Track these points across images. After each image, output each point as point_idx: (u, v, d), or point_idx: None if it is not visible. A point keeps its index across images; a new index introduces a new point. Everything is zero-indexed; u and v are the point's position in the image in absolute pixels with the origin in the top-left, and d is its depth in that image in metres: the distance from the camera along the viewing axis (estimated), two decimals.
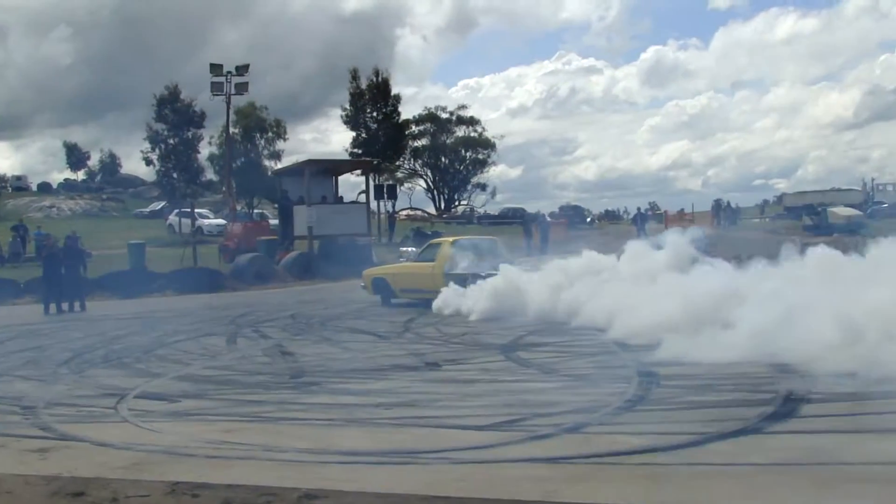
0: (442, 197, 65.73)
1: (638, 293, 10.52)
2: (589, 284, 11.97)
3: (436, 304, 13.96)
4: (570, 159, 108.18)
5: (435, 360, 9.01)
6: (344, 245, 26.76)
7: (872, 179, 53.47)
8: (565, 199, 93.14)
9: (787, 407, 6.07)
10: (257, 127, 43.76)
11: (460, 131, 65.40)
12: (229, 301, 18.85)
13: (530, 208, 52.32)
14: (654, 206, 59.95)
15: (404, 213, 52.01)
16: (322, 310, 15.84)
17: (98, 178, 68.87)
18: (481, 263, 14.48)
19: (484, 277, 13.69)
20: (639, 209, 38.18)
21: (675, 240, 11.88)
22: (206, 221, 40.46)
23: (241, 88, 34.49)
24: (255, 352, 10.41)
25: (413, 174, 65.74)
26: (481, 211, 62.02)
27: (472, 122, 65.07)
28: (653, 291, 10.26)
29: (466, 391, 7.26)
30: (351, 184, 47.09)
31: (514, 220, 46.33)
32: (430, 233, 36.13)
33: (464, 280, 14.25)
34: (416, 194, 65.52)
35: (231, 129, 39.10)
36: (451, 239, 16.50)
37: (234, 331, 12.73)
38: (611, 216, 64.36)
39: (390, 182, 50.74)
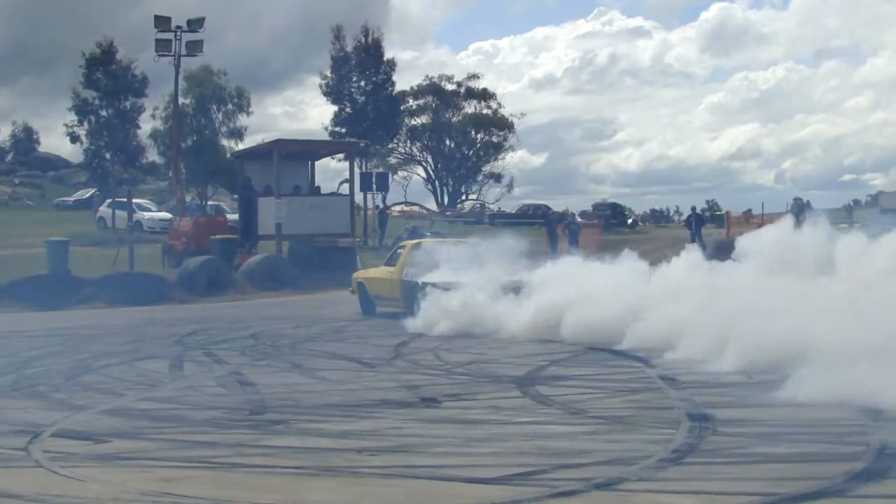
0: (446, 189, 65.87)
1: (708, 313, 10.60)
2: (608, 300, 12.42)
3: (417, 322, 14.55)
4: (609, 145, 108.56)
5: (433, 395, 9.00)
6: (321, 248, 26.84)
7: None
8: (601, 195, 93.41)
9: (882, 463, 6.05)
10: (214, 97, 43.87)
11: (470, 107, 65.59)
12: (175, 315, 18.88)
13: (556, 206, 52.52)
14: (713, 206, 60.15)
15: (397, 208, 52.11)
16: (292, 328, 15.86)
17: (9, 157, 68.84)
18: (444, 272, 15.19)
19: (444, 289, 14.49)
20: (693, 209, 38.12)
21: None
22: (147, 215, 40.55)
23: (194, 48, 34.50)
24: (206, 380, 10.44)
25: (410, 160, 65.94)
26: (494, 208, 62.15)
27: (485, 95, 65.24)
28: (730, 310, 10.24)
29: (472, 434, 7.26)
30: (331, 171, 47.45)
31: (536, 221, 46.41)
32: (429, 234, 36.13)
33: (412, 290, 15.37)
34: (412, 185, 65.74)
35: (180, 100, 39.18)
36: (415, 241, 17.70)
37: (179, 353, 12.75)
38: (658, 217, 64.54)
39: (381, 170, 50.92)
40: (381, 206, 41.70)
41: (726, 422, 7.41)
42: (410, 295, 15.79)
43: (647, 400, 8.53)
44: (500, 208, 61.46)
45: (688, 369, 10.09)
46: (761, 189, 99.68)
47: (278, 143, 28.29)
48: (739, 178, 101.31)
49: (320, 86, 50.13)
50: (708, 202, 63.85)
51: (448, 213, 57.44)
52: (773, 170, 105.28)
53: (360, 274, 19.21)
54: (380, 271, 18.04)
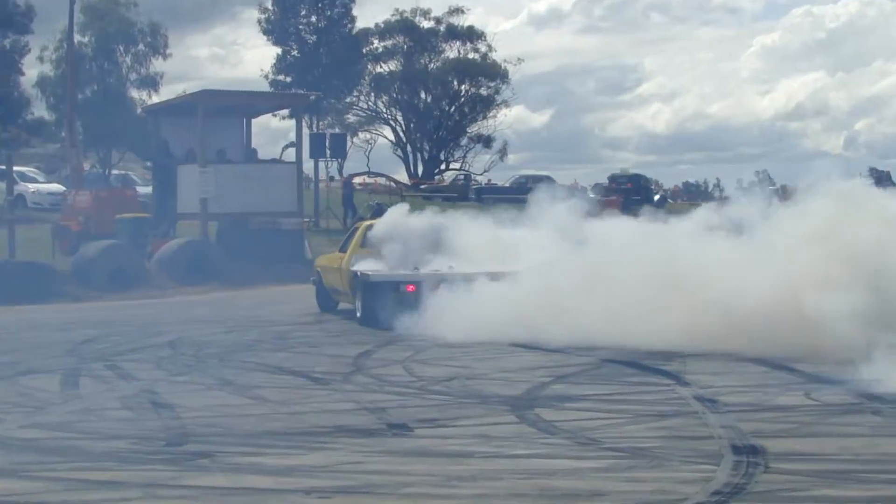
0: (420, 156, 65.88)
1: None
2: None
3: None
4: (630, 100, 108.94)
5: (403, 420, 8.98)
6: (259, 231, 26.76)
7: None
8: (620, 164, 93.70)
9: None
10: (120, 34, 43.55)
11: (452, 51, 65.53)
12: (68, 317, 18.78)
13: (562, 178, 52.62)
14: (763, 178, 60.23)
15: (358, 180, 52.03)
16: (222, 333, 15.82)
17: None
18: (403, 262, 15.80)
19: (399, 284, 15.19)
20: (740, 182, 38.34)
21: None
22: (33, 187, 40.26)
23: None
24: (109, 401, 10.37)
25: (374, 118, 65.83)
26: (482, 180, 62.17)
27: (471, 35, 65.20)
28: None
29: (453, 471, 7.24)
30: (272, 131, 47.35)
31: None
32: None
33: (359, 284, 16.02)
34: (377, 151, 65.69)
35: (77, 38, 38.86)
36: (368, 222, 18.25)
37: (74, 366, 12.66)
38: (693, 192, 64.85)
39: (337, 130, 50.78)
40: (344, 176, 41.69)
41: (781, 455, 7.41)
42: (356, 289, 16.25)
43: (679, 427, 8.52)
44: (489, 181, 61.48)
45: (731, 387, 10.11)
46: (827, 157, 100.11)
47: (204, 96, 28.16)
48: (798, 144, 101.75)
49: (259, 21, 49.74)
50: (757, 173, 63.88)
51: (423, 187, 57.42)
52: (841, 132, 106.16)
53: (320, 260, 19.56)
54: (333, 258, 18.26)
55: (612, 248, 14.11)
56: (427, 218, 16.96)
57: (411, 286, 15.23)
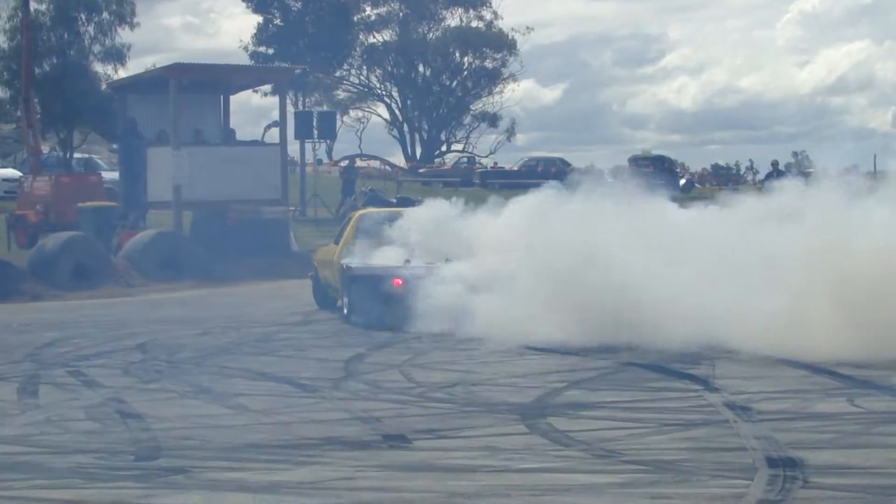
0: (418, 137, 65.93)
1: None
2: None
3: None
4: (653, 73, 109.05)
5: (400, 432, 8.98)
6: (240, 221, 26.72)
7: None
8: (641, 144, 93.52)
9: None
10: (82, 2, 43.58)
11: (454, 18, 65.60)
12: (26, 317, 18.77)
13: (577, 160, 52.62)
14: (802, 160, 60.13)
15: (346, 163, 52.04)
16: (197, 335, 15.82)
17: None
18: (394, 254, 15.97)
19: (385, 278, 15.38)
20: (775, 165, 38.20)
21: None
22: None
23: None
24: (73, 411, 10.35)
25: (367, 95, 65.86)
26: (487, 163, 62.21)
27: (474, 1, 65.16)
28: None
29: (456, 487, 7.24)
30: (253, 110, 47.27)
31: (548, 181, 46.35)
32: (394, 199, 36.10)
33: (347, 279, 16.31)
34: (370, 131, 65.79)
35: (33, 5, 38.89)
36: (361, 211, 18.74)
37: (33, 372, 12.65)
38: (724, 176, 64.78)
39: (325, 108, 50.81)
40: (346, 159, 41.68)
41: (822, 469, 7.41)
42: (343, 284, 16.58)
43: (708, 437, 8.51)
44: (495, 163, 61.62)
45: (766, 393, 10.11)
46: (874, 136, 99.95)
47: (176, 70, 28.11)
48: (841, 121, 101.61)
49: None
50: (795, 154, 63.89)
51: (422, 171, 57.52)
52: (889, 107, 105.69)
53: (318, 253, 19.81)
54: (329, 250, 18.49)
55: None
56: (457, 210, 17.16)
57: (398, 280, 15.32)
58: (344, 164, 47.63)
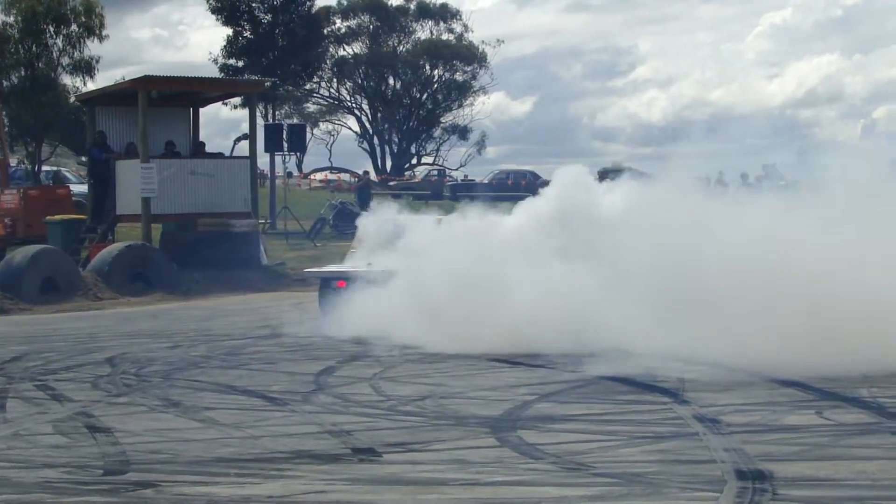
0: (388, 150, 65.93)
1: None
2: None
3: None
4: (623, 86, 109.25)
5: (370, 445, 8.98)
6: (209, 234, 26.67)
7: None
8: (611, 157, 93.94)
9: None
10: (50, 14, 43.40)
11: (423, 31, 65.70)
12: None
13: (547, 173, 52.57)
14: (772, 173, 60.30)
15: (318, 176, 52.05)
16: (167, 349, 15.78)
17: None
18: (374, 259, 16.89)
19: (330, 280, 16.97)
20: (744, 178, 38.42)
21: None
22: None
23: None
24: (40, 425, 10.31)
25: (337, 107, 65.84)
26: (458, 176, 62.27)
27: (444, 14, 65.39)
28: None
29: (426, 501, 7.24)
30: (223, 122, 47.09)
31: (517, 195, 46.51)
32: (363, 213, 36.13)
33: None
34: (340, 143, 65.78)
35: (1, 17, 38.73)
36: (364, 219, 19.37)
37: (1, 386, 12.61)
38: None
39: (295, 120, 50.74)
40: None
41: (791, 481, 7.43)
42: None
43: (677, 450, 8.53)
44: (466, 176, 61.73)
45: (735, 405, 10.15)
46: (842, 147, 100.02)
47: (146, 82, 28.01)
48: (811, 133, 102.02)
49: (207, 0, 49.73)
50: (765, 168, 64.24)
51: (392, 184, 57.52)
52: (857, 120, 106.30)
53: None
54: None
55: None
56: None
57: (342, 282, 16.44)
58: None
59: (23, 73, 42.26)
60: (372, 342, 14.88)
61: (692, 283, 12.62)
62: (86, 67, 43.87)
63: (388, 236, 16.67)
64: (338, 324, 15.85)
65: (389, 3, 64.29)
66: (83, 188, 32.33)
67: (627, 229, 13.96)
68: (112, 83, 33.29)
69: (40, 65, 42.81)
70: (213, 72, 49.08)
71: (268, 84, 36.51)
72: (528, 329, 13.57)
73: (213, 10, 49.57)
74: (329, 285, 17.03)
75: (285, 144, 38.18)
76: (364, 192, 40.62)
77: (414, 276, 14.96)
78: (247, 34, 49.04)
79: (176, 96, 28.76)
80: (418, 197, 51.03)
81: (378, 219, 17.71)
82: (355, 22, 63.98)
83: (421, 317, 14.56)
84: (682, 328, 12.38)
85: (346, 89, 65.27)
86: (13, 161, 39.21)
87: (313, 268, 17.97)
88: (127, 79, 31.68)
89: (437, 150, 66.79)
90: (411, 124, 65.45)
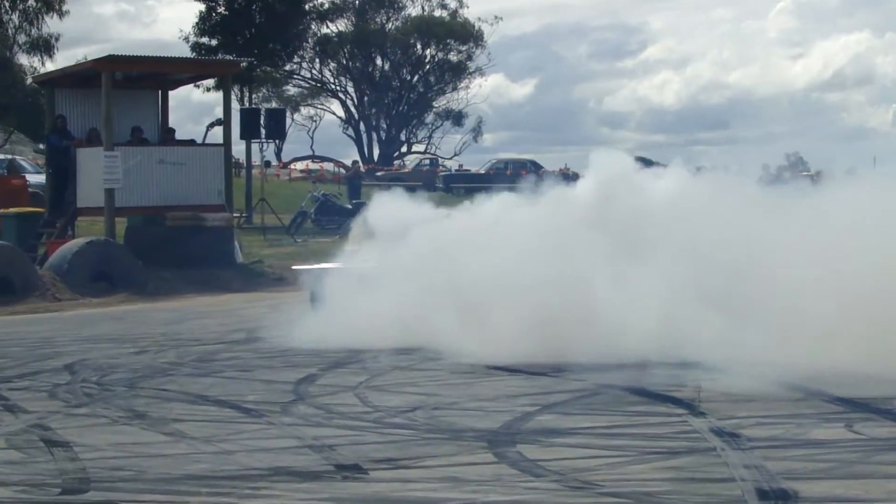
0: (376, 137, 65.96)
1: None
2: None
3: None
4: (633, 67, 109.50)
5: (355, 461, 8.95)
6: (179, 229, 26.65)
7: None
8: (620, 144, 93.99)
9: None
10: None
11: (414, 7, 65.71)
12: None
13: (550, 162, 52.74)
14: (796, 163, 60.19)
15: (298, 165, 52.05)
16: (132, 355, 15.76)
17: None
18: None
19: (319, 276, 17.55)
20: (766, 169, 38.53)
21: None
22: None
23: None
24: None
25: (319, 90, 65.84)
26: (452, 165, 62.31)
27: None
28: None
29: None
30: (194, 107, 46.95)
31: (516, 185, 46.62)
32: (349, 206, 36.19)
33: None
34: (324, 130, 65.84)
35: None
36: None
37: None
38: None
39: (273, 105, 50.76)
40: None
41: (818, 502, 7.42)
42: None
43: (692, 466, 8.51)
44: (460, 166, 61.76)
45: (757, 417, 10.12)
46: (873, 135, 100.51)
47: (110, 62, 27.99)
48: (838, 119, 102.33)
49: None
50: (788, 157, 64.12)
51: (379, 174, 57.56)
52: (891, 105, 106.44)
53: None
54: None
55: None
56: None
57: None
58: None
59: None
60: (360, 348, 14.85)
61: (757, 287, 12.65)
62: (44, 46, 44.04)
63: (395, 230, 16.61)
64: (325, 327, 15.81)
65: None
66: (41, 178, 32.31)
67: (691, 225, 13.94)
68: (73, 63, 33.33)
69: None
70: (184, 51, 49.08)
71: (244, 64, 36.54)
72: (619, 339, 13.25)
73: None
74: (320, 284, 17.19)
75: (263, 131, 38.22)
76: (355, 184, 40.71)
77: (440, 273, 14.95)
78: (221, 10, 48.97)
79: (143, 78, 28.73)
80: (409, 188, 50.97)
81: (384, 211, 17.63)
82: None
83: (453, 322, 14.39)
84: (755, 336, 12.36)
85: (330, 70, 65.47)
86: None
87: (302, 265, 18.10)
88: (89, 58, 31.75)
89: (430, 137, 67.10)
90: (401, 109, 65.59)
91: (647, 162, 57.67)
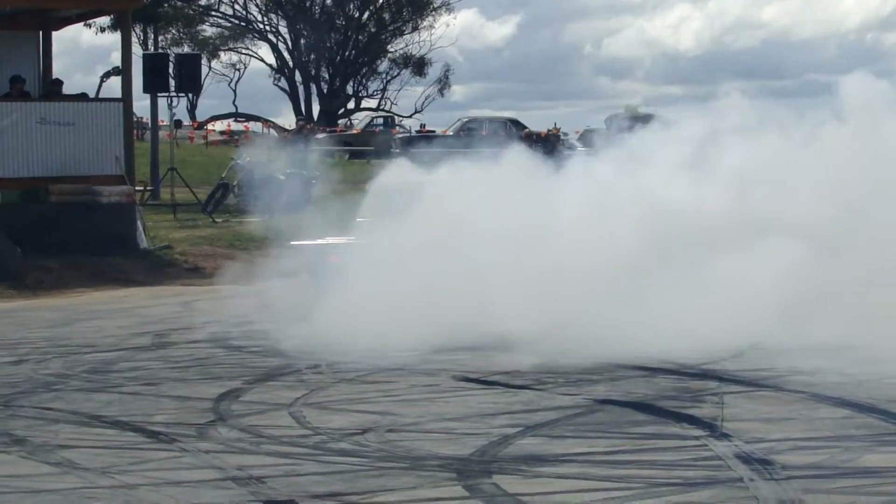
0: (316, 89, 65.85)
1: None
2: None
3: None
4: (641, 1, 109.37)
5: (291, 496, 9.02)
6: (66, 206, 26.61)
7: None
8: (624, 99, 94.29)
9: None
10: None
11: None
12: None
13: (535, 122, 52.69)
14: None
15: (216, 124, 51.95)
16: (9, 365, 15.77)
17: None
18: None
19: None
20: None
21: None
22: None
23: None
24: None
25: (243, 31, 65.70)
26: (411, 126, 62.27)
27: None
28: None
29: None
30: (85, 51, 46.69)
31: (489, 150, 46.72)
32: (282, 176, 36.11)
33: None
34: (250, 81, 65.57)
35: None
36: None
37: None
38: None
39: (186, 50, 50.60)
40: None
41: None
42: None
43: (714, 501, 8.58)
44: (423, 126, 61.68)
45: (794, 440, 10.19)
46: None
47: None
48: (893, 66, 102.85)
49: None
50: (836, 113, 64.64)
51: (320, 137, 57.48)
52: None
53: None
54: None
55: None
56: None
57: (335, 256, 18.12)
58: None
59: None
60: (297, 354, 14.91)
61: None
62: None
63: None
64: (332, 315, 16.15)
65: None
66: None
67: None
68: None
69: None
70: None
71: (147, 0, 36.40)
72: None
73: None
74: (321, 260, 18.23)
75: (172, 82, 38.09)
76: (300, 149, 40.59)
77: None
78: None
79: (20, 14, 28.60)
80: (357, 154, 51.03)
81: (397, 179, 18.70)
82: None
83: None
84: None
85: (257, 5, 65.19)
86: None
87: (301, 240, 19.17)
88: None
89: (384, 90, 66.88)
90: (347, 55, 65.40)
91: (649, 120, 58.07)
